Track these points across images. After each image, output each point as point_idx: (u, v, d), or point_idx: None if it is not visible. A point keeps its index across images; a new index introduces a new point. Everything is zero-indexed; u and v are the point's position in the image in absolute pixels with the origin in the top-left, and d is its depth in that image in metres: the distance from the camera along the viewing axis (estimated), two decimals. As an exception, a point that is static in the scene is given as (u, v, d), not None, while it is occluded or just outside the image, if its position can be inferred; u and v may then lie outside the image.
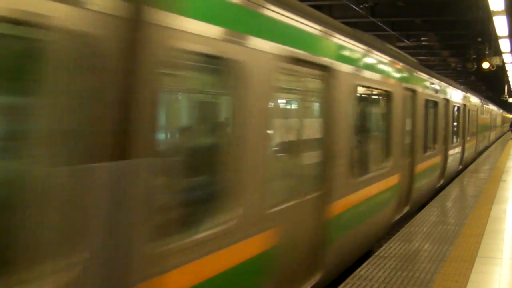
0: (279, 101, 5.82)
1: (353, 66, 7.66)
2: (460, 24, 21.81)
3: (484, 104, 32.22)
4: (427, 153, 13.50)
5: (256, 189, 4.93)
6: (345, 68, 7.27)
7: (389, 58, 9.79)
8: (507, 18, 15.70)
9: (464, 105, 20.43)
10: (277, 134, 5.67)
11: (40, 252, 2.92)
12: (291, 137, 6.11)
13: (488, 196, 13.22)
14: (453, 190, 14.23)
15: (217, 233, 4.39)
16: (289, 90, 6.14)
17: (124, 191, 3.27)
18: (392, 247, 8.19)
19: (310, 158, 6.52)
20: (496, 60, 23.64)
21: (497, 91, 51.71)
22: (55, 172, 2.96)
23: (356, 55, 7.94)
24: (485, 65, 23.20)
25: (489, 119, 36.29)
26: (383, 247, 8.16)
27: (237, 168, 4.67)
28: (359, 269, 7.02)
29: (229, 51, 4.51)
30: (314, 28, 6.37)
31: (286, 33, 5.62)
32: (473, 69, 24.60)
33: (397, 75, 10.31)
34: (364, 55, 8.35)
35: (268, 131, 5.21)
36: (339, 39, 7.23)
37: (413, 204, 11.99)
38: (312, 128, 6.65)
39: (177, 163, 4.03)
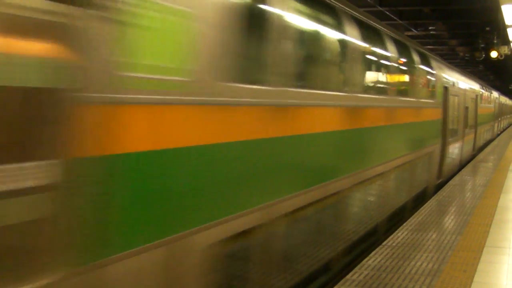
0: None
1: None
2: (468, 13, 21.67)
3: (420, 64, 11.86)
4: None
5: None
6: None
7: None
8: (516, 7, 15.59)
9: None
10: None
11: None
12: None
13: (496, 185, 13.20)
14: (461, 180, 14.21)
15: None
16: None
17: None
18: (400, 236, 8.21)
19: None
20: (505, 49, 23.50)
21: (506, 81, 51.41)
22: None
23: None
24: (493, 54, 23.08)
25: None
26: (391, 236, 8.18)
27: None
28: (367, 259, 7.04)
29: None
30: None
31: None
32: (481, 58, 24.48)
33: None
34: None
35: None
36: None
37: None
38: None
39: None
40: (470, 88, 21.06)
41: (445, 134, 14.75)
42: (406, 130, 10.49)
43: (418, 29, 24.43)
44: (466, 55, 34.69)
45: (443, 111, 14.33)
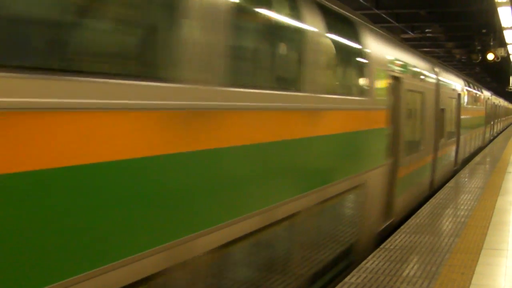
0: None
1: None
2: (465, 16, 21.72)
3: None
4: None
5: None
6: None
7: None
8: (512, 9, 15.64)
9: None
10: None
11: None
12: None
13: (493, 187, 13.21)
14: (458, 182, 14.21)
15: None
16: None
17: None
18: (398, 239, 8.20)
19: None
20: (501, 51, 23.54)
21: (502, 83, 51.50)
22: None
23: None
24: (490, 56, 23.11)
25: None
26: (388, 239, 8.17)
27: None
28: (364, 262, 7.03)
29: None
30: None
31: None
32: (477, 61, 24.51)
33: None
34: None
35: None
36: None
37: None
38: None
39: None
40: (448, 83, 16.15)
41: (397, 149, 9.97)
42: (289, 152, 5.45)
43: (415, 32, 24.48)
44: (463, 57, 34.77)
45: (391, 114, 9.43)
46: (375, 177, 8.61)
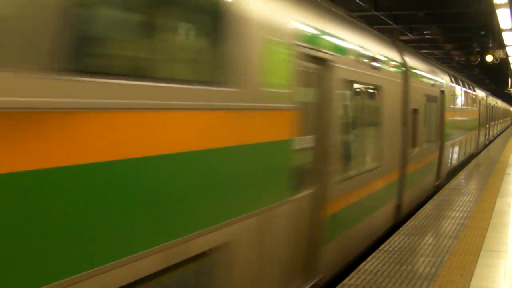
0: None
1: None
2: (463, 17, 21.73)
3: None
4: None
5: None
6: None
7: None
8: (511, 11, 15.64)
9: None
10: None
11: None
12: None
13: (492, 189, 13.20)
14: (457, 184, 14.20)
15: None
16: None
17: None
18: (397, 241, 8.19)
19: None
20: (500, 53, 23.55)
21: (501, 84, 51.55)
22: None
23: None
24: (489, 58, 23.12)
25: None
26: (387, 241, 8.16)
27: None
28: (363, 263, 7.02)
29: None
30: None
31: None
32: (476, 62, 24.54)
33: None
34: None
35: None
36: None
37: None
38: None
39: None
40: (425, 77, 13.02)
41: (324, 172, 6.64)
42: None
43: (413, 33, 24.49)
44: (462, 59, 34.78)
45: (310, 118, 6.26)
46: (260, 226, 4.98)
